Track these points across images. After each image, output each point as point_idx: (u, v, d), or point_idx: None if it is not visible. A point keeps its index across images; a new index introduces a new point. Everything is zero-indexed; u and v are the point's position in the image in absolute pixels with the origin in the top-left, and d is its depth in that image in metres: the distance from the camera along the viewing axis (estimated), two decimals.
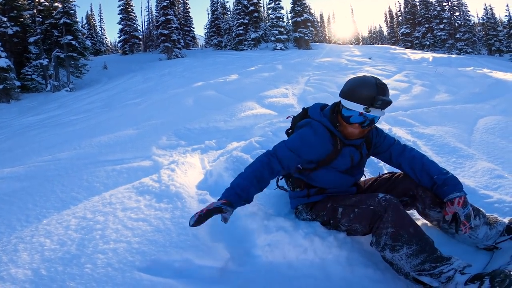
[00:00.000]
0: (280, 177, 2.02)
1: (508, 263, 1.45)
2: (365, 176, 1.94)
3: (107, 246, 1.60)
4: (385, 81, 1.77)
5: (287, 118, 2.03)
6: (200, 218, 1.34)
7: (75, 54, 16.87)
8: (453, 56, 18.67)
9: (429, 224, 1.76)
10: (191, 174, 2.39)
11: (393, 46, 27.44)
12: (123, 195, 2.20)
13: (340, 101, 1.63)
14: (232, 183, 1.50)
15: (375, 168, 2.52)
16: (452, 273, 1.32)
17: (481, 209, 1.62)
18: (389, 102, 1.49)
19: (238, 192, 1.45)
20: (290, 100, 3.94)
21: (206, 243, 1.67)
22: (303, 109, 1.87)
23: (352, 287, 1.49)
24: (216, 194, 2.10)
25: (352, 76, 2.13)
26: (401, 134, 3.08)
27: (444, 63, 12.90)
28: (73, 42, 16.73)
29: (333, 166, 1.68)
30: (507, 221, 1.63)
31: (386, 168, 2.43)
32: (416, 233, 1.38)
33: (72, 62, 16.97)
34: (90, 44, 19.83)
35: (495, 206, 1.90)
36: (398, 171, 1.80)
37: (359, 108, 1.52)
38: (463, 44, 28.22)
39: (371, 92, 1.49)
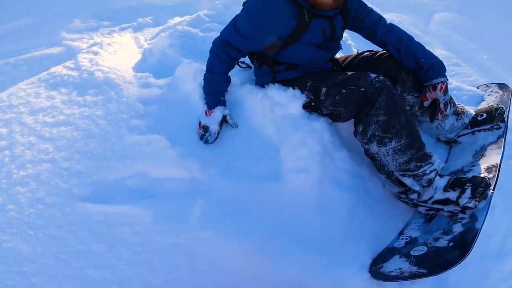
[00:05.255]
0: None
1: (471, 164, 1.39)
2: (342, 51, 1.64)
3: (24, 172, 1.18)
4: None
5: None
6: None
7: None
8: None
9: None
10: (123, 55, 1.80)
11: None
12: (27, 93, 1.60)
13: None
14: (204, 89, 1.45)
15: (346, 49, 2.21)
16: (433, 175, 1.25)
17: (451, 96, 1.52)
18: None
19: (216, 95, 1.42)
20: None
21: (161, 143, 1.26)
22: None
23: (325, 185, 1.30)
24: (161, 75, 1.65)
25: None
26: None
27: None
28: None
29: (303, 41, 1.38)
30: (474, 113, 1.57)
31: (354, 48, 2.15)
32: (407, 124, 1.24)
33: None
34: None
35: (454, 94, 1.82)
36: (380, 49, 1.56)
37: None
38: None
39: None
